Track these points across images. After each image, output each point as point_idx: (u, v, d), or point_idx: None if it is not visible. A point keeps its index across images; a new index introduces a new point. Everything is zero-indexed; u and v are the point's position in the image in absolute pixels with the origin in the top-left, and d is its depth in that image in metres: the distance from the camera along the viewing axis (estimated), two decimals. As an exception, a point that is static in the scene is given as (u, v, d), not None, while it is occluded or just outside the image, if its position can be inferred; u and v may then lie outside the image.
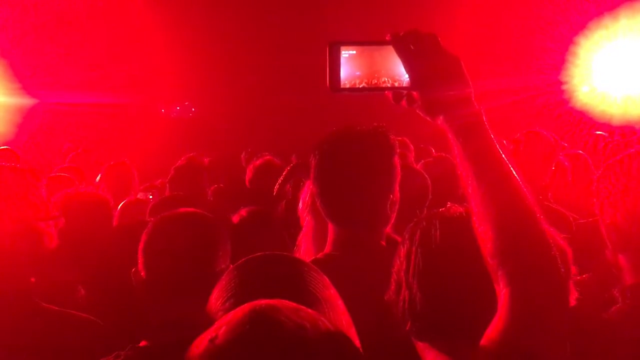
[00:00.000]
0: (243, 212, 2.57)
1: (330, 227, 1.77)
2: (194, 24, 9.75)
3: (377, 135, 1.73)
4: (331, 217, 1.75)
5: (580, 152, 4.36)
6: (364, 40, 1.11)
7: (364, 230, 1.72)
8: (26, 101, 8.42)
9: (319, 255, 1.78)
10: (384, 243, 1.73)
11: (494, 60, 9.01)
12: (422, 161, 3.83)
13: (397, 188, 1.73)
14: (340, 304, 0.90)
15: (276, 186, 3.41)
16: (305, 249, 2.08)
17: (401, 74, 1.08)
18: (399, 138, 2.07)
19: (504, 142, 4.01)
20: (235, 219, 2.54)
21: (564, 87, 8.79)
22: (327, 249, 1.76)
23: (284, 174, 3.42)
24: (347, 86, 1.09)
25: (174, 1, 9.58)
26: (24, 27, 8.79)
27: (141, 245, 1.67)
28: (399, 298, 1.24)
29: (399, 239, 1.34)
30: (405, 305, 1.22)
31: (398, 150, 1.76)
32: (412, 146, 4.61)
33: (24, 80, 8.44)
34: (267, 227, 2.56)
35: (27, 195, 1.72)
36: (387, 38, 1.07)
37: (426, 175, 2.80)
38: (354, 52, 1.09)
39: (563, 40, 8.63)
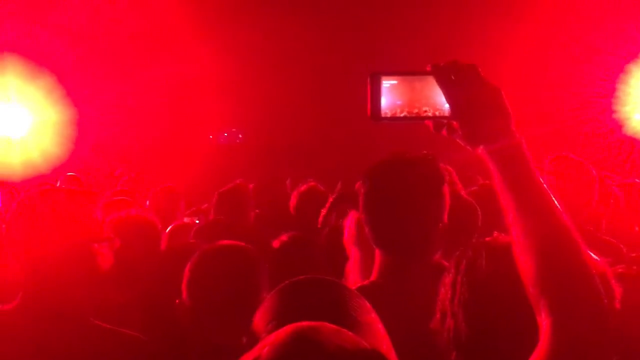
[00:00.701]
0: (284, 237, 2.60)
1: (377, 255, 1.76)
2: (242, 54, 10.00)
3: (426, 163, 1.73)
4: (380, 244, 1.74)
5: (636, 180, 4.22)
6: (405, 70, 1.13)
7: (413, 258, 1.72)
8: (77, 124, 8.67)
9: (365, 282, 1.78)
10: (432, 270, 1.72)
11: (544, 88, 8.86)
12: (468, 190, 3.78)
13: (446, 216, 1.73)
14: (380, 328, 0.90)
15: (320, 217, 3.41)
16: (352, 280, 2.08)
17: (442, 104, 1.09)
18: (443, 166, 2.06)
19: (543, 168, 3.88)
20: (276, 244, 2.57)
21: (615, 115, 8.55)
22: (373, 276, 1.76)
23: (327, 204, 3.43)
24: (388, 115, 1.11)
25: (225, 34, 9.86)
26: (78, 55, 9.14)
27: (186, 276, 1.73)
28: (444, 327, 1.23)
29: (447, 264, 1.34)
30: (450, 335, 1.21)
31: (447, 178, 1.76)
32: (455, 174, 4.55)
33: (79, 105, 8.75)
34: (308, 253, 2.57)
35: (81, 217, 1.78)
36: (427, 68, 1.09)
37: (475, 204, 2.77)
38: (395, 82, 1.11)
39: (614, 69, 8.43)
